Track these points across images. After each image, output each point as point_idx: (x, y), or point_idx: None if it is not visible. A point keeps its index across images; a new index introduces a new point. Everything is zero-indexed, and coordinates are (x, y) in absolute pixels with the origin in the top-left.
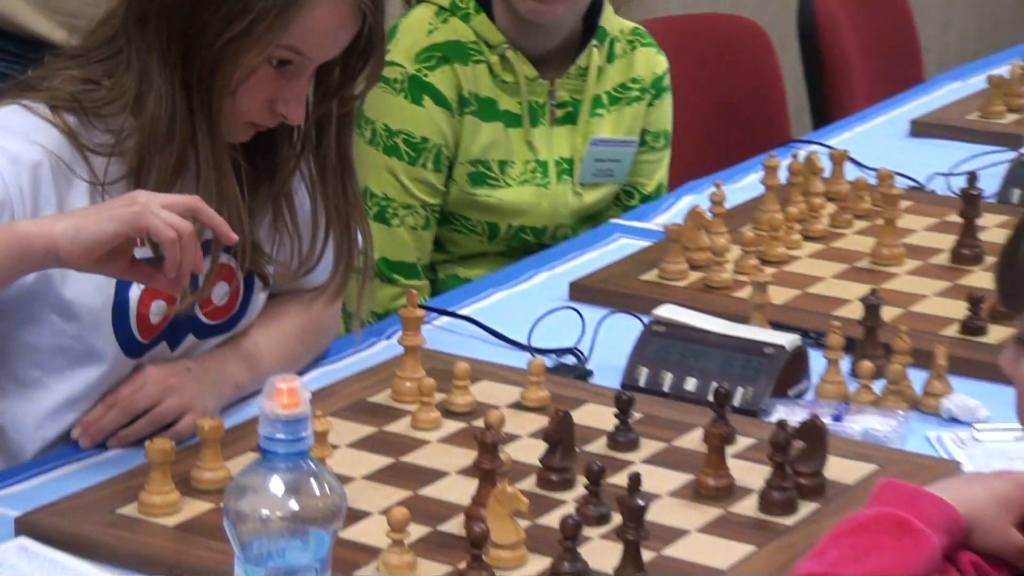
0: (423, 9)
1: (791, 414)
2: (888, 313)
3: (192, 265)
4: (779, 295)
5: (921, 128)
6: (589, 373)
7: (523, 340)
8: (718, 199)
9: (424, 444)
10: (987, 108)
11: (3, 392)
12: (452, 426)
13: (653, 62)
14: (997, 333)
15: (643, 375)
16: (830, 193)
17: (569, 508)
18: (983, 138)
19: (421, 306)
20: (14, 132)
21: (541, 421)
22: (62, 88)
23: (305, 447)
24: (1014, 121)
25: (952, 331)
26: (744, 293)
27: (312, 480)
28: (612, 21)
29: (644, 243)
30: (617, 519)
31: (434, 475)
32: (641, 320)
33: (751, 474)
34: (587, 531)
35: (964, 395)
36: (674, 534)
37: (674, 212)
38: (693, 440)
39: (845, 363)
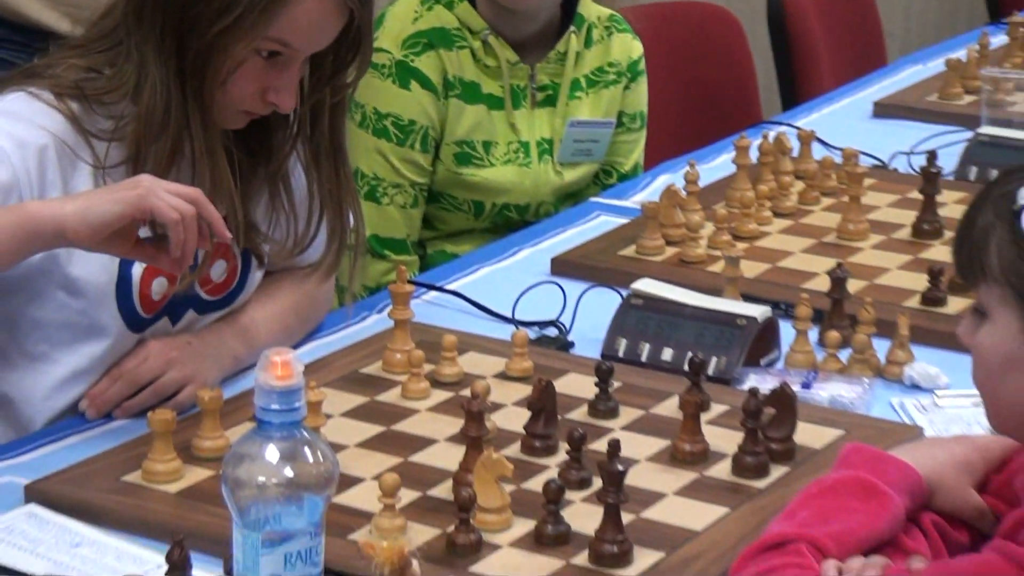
0: None
1: (762, 382)
2: (853, 286)
3: (195, 246)
4: (750, 269)
5: (884, 109)
6: (570, 344)
7: (508, 313)
8: (692, 178)
9: (413, 413)
10: (946, 90)
11: (13, 366)
12: (440, 396)
13: (629, 47)
14: (956, 304)
15: (622, 346)
16: (798, 172)
17: (552, 473)
18: (942, 119)
19: (410, 281)
20: (20, 117)
21: (525, 390)
22: (65, 76)
23: (299, 417)
24: (971, 102)
25: (914, 302)
26: (717, 267)
27: (306, 448)
28: (589, 8)
29: (622, 220)
30: (598, 483)
31: (423, 442)
32: (620, 293)
33: (725, 439)
34: (569, 495)
35: (925, 363)
36: (652, 497)
37: (650, 191)
38: (670, 407)
39: (813, 333)
